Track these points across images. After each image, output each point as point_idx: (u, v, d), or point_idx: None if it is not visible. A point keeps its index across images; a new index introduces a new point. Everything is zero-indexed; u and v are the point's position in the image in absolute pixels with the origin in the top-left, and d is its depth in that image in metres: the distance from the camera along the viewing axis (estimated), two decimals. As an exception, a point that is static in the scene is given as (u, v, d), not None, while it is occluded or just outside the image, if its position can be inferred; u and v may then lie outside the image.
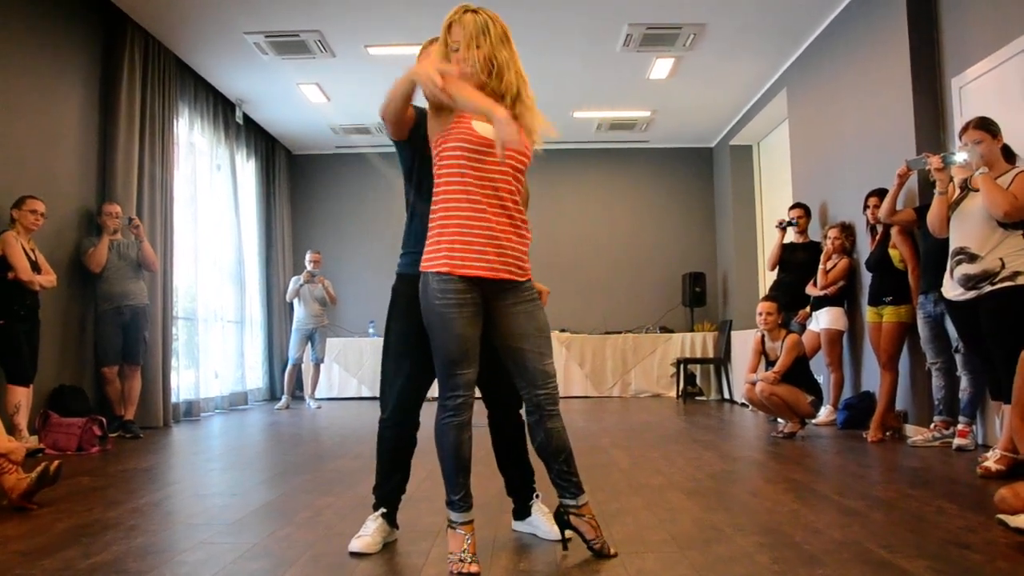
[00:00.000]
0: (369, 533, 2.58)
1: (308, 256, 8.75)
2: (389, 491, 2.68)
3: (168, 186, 6.88)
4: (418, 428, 2.69)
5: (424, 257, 2.38)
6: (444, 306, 2.31)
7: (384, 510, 2.65)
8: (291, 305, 8.85)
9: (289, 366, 8.57)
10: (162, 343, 6.56)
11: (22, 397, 4.76)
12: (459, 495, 2.36)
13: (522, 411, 2.59)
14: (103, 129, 6.25)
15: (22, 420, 4.73)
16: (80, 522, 2.96)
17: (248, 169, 9.32)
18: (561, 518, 2.46)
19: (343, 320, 10.44)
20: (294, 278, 8.79)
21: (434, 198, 2.39)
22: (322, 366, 9.46)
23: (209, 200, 8.15)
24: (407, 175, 2.64)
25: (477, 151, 2.33)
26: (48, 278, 5.04)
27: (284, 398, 8.47)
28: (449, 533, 2.36)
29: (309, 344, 8.59)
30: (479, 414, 2.59)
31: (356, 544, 2.55)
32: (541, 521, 2.67)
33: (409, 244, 2.63)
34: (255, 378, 9.27)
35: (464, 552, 2.29)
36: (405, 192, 2.67)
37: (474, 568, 2.26)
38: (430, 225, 2.39)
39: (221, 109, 8.38)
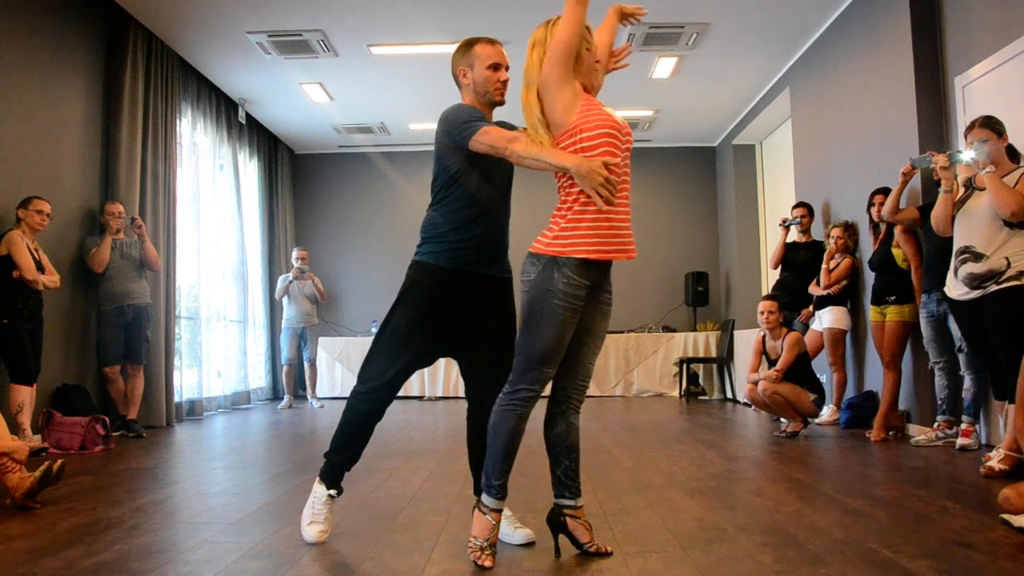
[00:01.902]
0: (321, 520, 2.66)
1: (295, 253, 8.64)
2: (346, 460, 2.72)
3: (171, 186, 6.89)
4: (391, 403, 2.72)
5: (556, 240, 2.33)
6: (565, 308, 2.31)
7: (335, 492, 2.70)
8: (281, 304, 8.72)
9: (285, 366, 8.50)
10: (165, 342, 6.56)
11: (25, 396, 4.77)
12: (500, 481, 2.37)
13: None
14: (106, 129, 6.25)
15: (25, 419, 4.74)
16: (83, 521, 2.96)
17: (251, 168, 9.32)
18: (556, 520, 2.45)
19: (345, 319, 10.45)
20: (282, 276, 8.69)
21: (568, 181, 2.36)
22: (325, 365, 9.47)
23: (212, 199, 8.16)
24: (454, 172, 2.59)
25: (615, 135, 2.36)
26: (52, 278, 5.04)
27: (286, 398, 8.47)
28: (477, 516, 2.37)
29: (301, 343, 8.48)
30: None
31: (313, 534, 2.63)
32: (504, 524, 2.64)
33: (432, 232, 2.63)
34: (257, 377, 9.28)
35: (487, 541, 2.33)
36: (440, 184, 2.63)
37: (488, 563, 2.29)
38: (564, 209, 2.35)
39: (224, 108, 8.39)
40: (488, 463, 2.39)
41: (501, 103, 2.66)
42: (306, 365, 8.57)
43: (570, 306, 2.32)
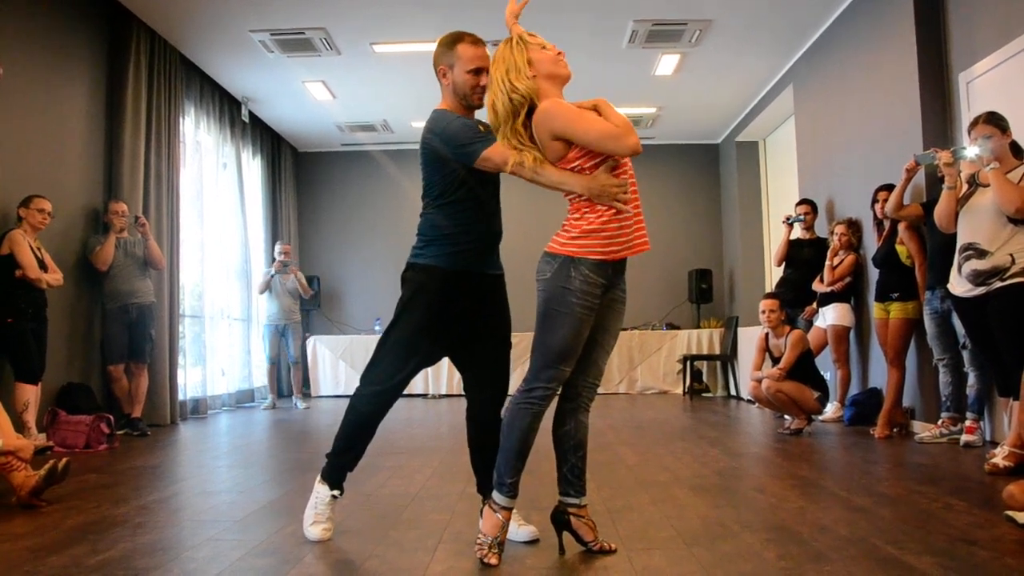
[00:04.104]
0: (324, 520, 2.66)
1: (278, 247, 8.41)
2: (348, 460, 2.71)
3: (174, 184, 6.89)
4: (394, 403, 2.73)
5: (573, 241, 2.34)
6: (582, 306, 2.33)
7: (338, 492, 2.70)
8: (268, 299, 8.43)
9: (268, 365, 8.25)
10: (169, 341, 6.57)
11: (30, 395, 4.79)
12: (513, 479, 2.38)
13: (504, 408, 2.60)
14: (109, 128, 6.26)
15: (30, 418, 4.75)
16: (88, 519, 2.97)
17: (254, 167, 9.33)
18: (560, 518, 2.45)
19: (348, 317, 10.45)
20: (264, 270, 8.44)
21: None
22: (328, 364, 9.41)
23: (215, 198, 8.16)
24: (457, 176, 2.56)
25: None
26: (55, 276, 5.05)
27: (269, 398, 8.17)
28: (487, 513, 2.38)
29: (283, 341, 8.24)
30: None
31: (316, 533, 2.63)
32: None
33: (436, 234, 2.61)
34: (261, 376, 9.22)
35: (496, 539, 2.33)
36: (442, 187, 2.60)
37: (494, 560, 2.30)
38: (577, 214, 2.37)
39: (227, 107, 8.39)
40: (501, 461, 2.39)
41: (480, 107, 2.62)
42: (291, 365, 8.42)
43: (587, 304, 2.33)
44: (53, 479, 3.21)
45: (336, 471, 2.71)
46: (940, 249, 4.50)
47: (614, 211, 2.35)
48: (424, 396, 9.32)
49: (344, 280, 10.56)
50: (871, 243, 5.82)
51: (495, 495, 2.38)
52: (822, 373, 5.61)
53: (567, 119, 2.31)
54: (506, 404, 2.43)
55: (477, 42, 2.60)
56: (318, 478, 2.73)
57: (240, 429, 6.42)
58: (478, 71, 2.57)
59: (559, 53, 2.43)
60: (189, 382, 7.26)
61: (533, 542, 2.57)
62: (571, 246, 2.34)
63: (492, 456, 2.60)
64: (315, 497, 2.70)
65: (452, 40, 2.61)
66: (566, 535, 2.46)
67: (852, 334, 6.16)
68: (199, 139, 7.86)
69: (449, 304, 2.60)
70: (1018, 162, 3.84)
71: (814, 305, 6.40)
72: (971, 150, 3.87)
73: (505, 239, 2.77)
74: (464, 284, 2.60)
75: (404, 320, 2.63)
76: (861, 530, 2.63)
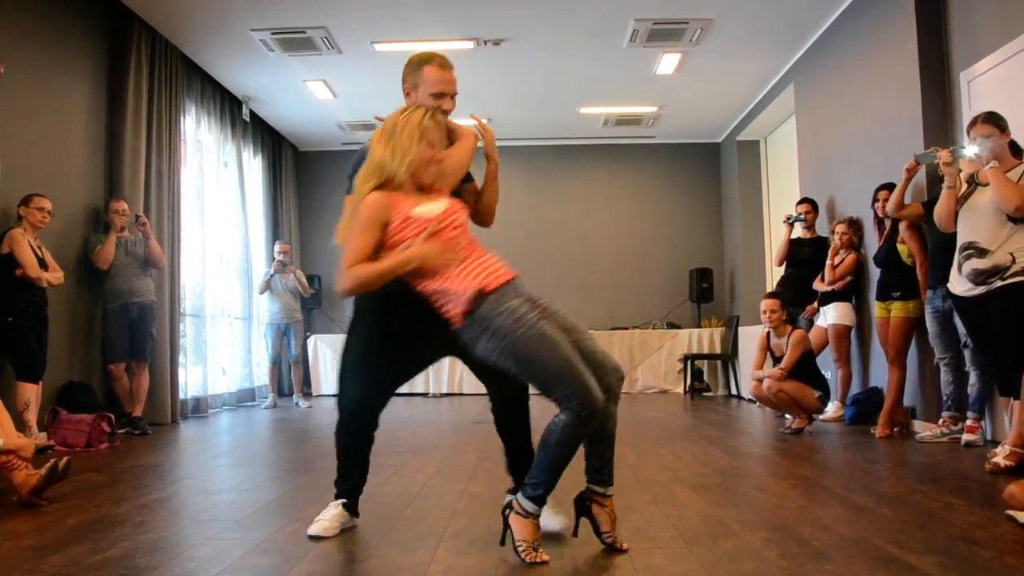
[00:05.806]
0: (327, 519, 2.69)
1: (277, 247, 8.42)
2: (353, 486, 2.77)
3: (175, 183, 6.89)
4: (376, 428, 2.78)
5: (463, 290, 2.35)
6: (538, 319, 2.32)
7: (344, 500, 2.74)
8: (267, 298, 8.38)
9: (269, 365, 8.28)
10: (170, 340, 6.57)
11: (31, 394, 4.79)
12: (550, 493, 2.39)
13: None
14: (110, 127, 6.26)
15: (31, 416, 4.76)
16: (89, 518, 2.97)
17: (255, 166, 9.33)
18: (583, 504, 2.47)
19: (348, 317, 10.44)
20: (264, 271, 8.46)
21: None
22: (329, 363, 9.40)
23: (216, 197, 8.17)
24: None
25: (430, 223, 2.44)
26: (55, 275, 5.06)
27: (270, 397, 8.19)
28: (519, 521, 2.35)
29: (286, 340, 8.25)
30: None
31: (315, 528, 2.66)
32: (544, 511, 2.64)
33: None
34: (262, 374, 9.23)
35: (536, 542, 2.35)
36: None
37: (546, 556, 2.32)
38: (447, 279, 2.39)
39: (228, 106, 8.39)
40: (546, 476, 2.33)
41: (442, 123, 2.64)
42: (291, 364, 8.42)
43: (538, 315, 2.33)
44: (54, 478, 3.22)
45: (343, 491, 2.77)
46: (941, 248, 4.49)
47: (460, 265, 2.38)
48: (425, 395, 9.32)
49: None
50: (872, 242, 5.81)
51: (526, 504, 2.35)
52: (823, 372, 5.61)
53: (354, 229, 2.59)
54: (549, 424, 2.35)
55: (444, 65, 2.63)
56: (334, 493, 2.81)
57: (241, 428, 6.42)
58: (440, 95, 2.61)
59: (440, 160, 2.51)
60: (190, 381, 7.26)
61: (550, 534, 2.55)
62: (472, 287, 2.34)
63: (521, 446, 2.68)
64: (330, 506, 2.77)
65: (420, 61, 2.65)
66: (584, 521, 2.48)
67: (853, 333, 6.15)
68: (200, 138, 7.86)
69: (391, 319, 2.63)
70: (1017, 161, 3.84)
71: (815, 304, 6.40)
72: (970, 149, 3.87)
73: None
74: (401, 298, 2.56)
75: (352, 344, 2.74)
76: (862, 529, 2.63)
